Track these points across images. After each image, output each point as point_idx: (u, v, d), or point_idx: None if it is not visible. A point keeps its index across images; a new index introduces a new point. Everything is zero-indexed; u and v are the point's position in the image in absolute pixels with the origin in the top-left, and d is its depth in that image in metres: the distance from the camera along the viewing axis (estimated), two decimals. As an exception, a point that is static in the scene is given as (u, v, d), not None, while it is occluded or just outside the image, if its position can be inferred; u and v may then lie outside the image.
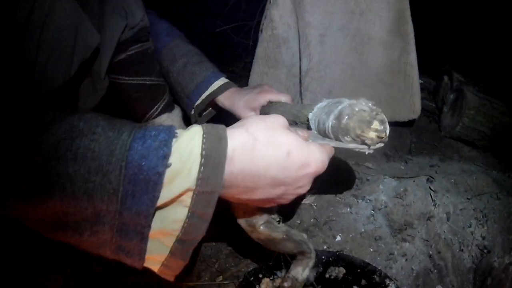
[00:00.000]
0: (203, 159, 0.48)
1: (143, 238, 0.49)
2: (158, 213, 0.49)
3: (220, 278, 0.98)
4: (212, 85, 1.15)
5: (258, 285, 0.88)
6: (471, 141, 1.52)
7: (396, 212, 1.11)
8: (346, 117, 0.65)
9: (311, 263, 0.83)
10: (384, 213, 1.11)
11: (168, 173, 0.47)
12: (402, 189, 1.15)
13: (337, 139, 0.67)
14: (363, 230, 1.07)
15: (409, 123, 1.48)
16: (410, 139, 1.53)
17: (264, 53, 1.37)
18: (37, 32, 0.75)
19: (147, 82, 1.15)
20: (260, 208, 0.71)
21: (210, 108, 1.23)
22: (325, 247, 1.03)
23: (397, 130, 1.51)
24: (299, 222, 1.10)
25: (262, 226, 0.74)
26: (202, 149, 0.48)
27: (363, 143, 0.65)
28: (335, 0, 1.29)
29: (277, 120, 0.58)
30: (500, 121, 1.47)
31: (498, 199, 1.20)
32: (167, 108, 1.20)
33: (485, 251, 1.09)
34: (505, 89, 1.56)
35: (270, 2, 1.35)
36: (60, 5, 0.77)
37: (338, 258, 0.95)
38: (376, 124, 0.63)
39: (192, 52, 1.22)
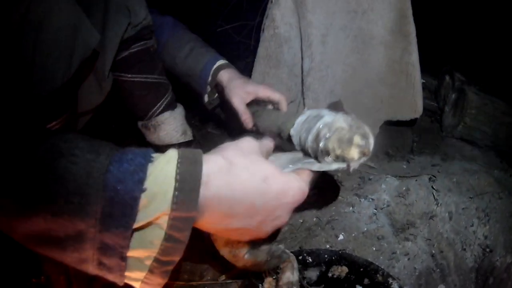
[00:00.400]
0: (177, 184, 0.48)
1: (122, 256, 0.50)
2: (136, 233, 0.50)
3: (223, 277, 0.98)
4: (218, 61, 1.18)
5: (261, 285, 0.87)
6: (473, 140, 1.52)
7: (398, 212, 1.11)
8: (324, 139, 0.62)
9: (295, 264, 0.82)
10: (386, 212, 1.11)
11: (144, 197, 0.47)
12: (404, 189, 1.15)
13: (318, 159, 0.64)
14: (365, 229, 1.07)
15: (411, 123, 1.48)
16: (412, 139, 1.53)
17: (265, 53, 1.37)
18: (34, 32, 0.74)
19: (149, 80, 1.16)
20: None
21: (216, 95, 1.24)
22: (327, 246, 1.03)
23: (399, 129, 1.52)
24: (301, 221, 1.10)
25: (247, 255, 0.72)
26: (177, 174, 0.49)
27: (345, 161, 0.62)
28: (337, -1, 1.29)
29: (250, 145, 0.58)
30: (502, 121, 1.48)
31: (500, 199, 1.20)
32: (170, 106, 1.20)
33: (487, 250, 1.09)
34: (507, 88, 1.56)
35: (271, 1, 1.35)
36: (57, 5, 0.77)
37: (340, 257, 0.95)
38: (357, 140, 0.61)
39: (197, 39, 1.26)
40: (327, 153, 0.62)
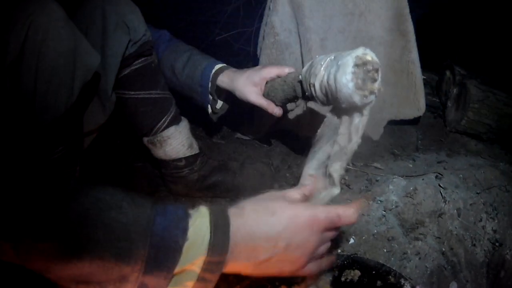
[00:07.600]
0: (212, 234, 0.57)
1: None
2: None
3: None
4: (216, 66, 1.18)
5: (275, 293, 0.88)
6: (477, 134, 1.52)
7: (407, 212, 1.12)
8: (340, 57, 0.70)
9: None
10: (395, 213, 1.12)
11: (186, 245, 0.55)
12: (411, 188, 1.15)
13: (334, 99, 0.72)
14: (375, 231, 1.07)
15: (414, 121, 1.49)
16: (416, 136, 1.54)
17: (268, 60, 1.38)
18: (33, 61, 0.75)
19: (153, 96, 1.16)
20: None
21: (223, 103, 1.24)
22: (339, 250, 1.04)
23: (403, 128, 1.52)
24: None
25: None
26: (211, 225, 0.58)
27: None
28: (333, 3, 1.30)
29: (267, 195, 0.68)
30: (505, 113, 1.48)
31: (507, 192, 1.20)
32: (175, 121, 1.20)
33: (497, 244, 1.09)
34: (508, 80, 1.56)
35: (269, 8, 1.36)
36: (55, 30, 0.77)
37: (352, 261, 0.96)
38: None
39: (193, 48, 1.26)
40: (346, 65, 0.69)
